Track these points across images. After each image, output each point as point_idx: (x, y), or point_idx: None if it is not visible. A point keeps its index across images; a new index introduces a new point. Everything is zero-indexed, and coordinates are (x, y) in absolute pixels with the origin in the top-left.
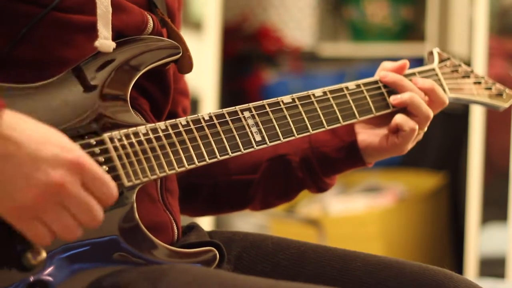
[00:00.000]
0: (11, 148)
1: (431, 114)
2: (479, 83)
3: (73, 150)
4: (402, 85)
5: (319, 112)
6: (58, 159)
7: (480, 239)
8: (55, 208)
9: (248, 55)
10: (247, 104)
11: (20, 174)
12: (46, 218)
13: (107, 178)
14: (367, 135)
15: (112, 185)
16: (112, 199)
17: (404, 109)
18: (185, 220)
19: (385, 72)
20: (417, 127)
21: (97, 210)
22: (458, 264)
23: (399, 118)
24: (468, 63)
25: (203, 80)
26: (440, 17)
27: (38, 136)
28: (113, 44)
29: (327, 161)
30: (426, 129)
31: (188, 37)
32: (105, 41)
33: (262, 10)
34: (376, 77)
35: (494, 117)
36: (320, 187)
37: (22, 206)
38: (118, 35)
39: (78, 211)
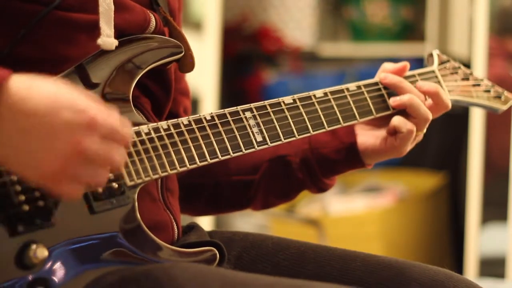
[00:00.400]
0: (26, 122)
1: (430, 116)
2: (478, 85)
3: (85, 111)
4: (402, 87)
5: (320, 113)
6: (73, 124)
7: (480, 239)
8: (82, 167)
9: (248, 55)
10: (248, 105)
11: (40, 147)
12: (75, 176)
13: (120, 123)
14: (367, 137)
15: (126, 130)
16: (129, 140)
17: (403, 111)
18: (185, 220)
19: (385, 74)
20: (414, 128)
21: (120, 155)
22: (458, 264)
23: (396, 120)
24: (468, 63)
25: (203, 80)
26: (440, 17)
27: (50, 102)
28: (115, 42)
29: (327, 163)
30: (425, 130)
31: (188, 37)
32: (107, 38)
33: (262, 10)
34: (376, 79)
35: (494, 117)
36: (320, 188)
37: (48, 174)
38: (120, 33)
39: (103, 162)
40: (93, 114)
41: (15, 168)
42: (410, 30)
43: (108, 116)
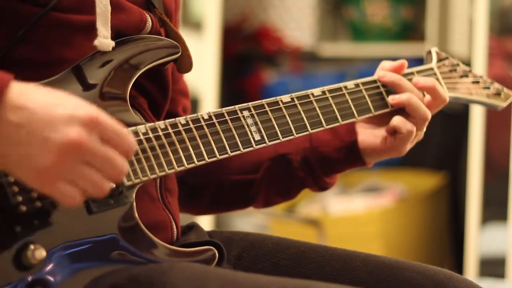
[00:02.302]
0: (25, 115)
1: (429, 115)
2: (477, 82)
3: (86, 107)
4: (400, 85)
5: (318, 111)
6: (73, 117)
7: (480, 239)
8: (78, 166)
9: (248, 55)
10: (246, 104)
11: (37, 139)
12: (71, 177)
13: (124, 131)
14: (367, 136)
15: (130, 138)
16: (132, 151)
17: (402, 109)
18: (184, 219)
19: (383, 71)
20: (414, 129)
21: (120, 162)
22: (458, 264)
23: (396, 120)
24: (468, 63)
25: (203, 80)
26: (440, 17)
27: (51, 99)
28: (112, 43)
29: (328, 161)
30: (425, 129)
31: (188, 37)
32: (104, 40)
33: (262, 10)
34: (375, 77)
35: (494, 117)
36: (321, 186)
37: (44, 170)
38: (117, 34)
39: (102, 166)
40: (95, 112)
41: (11, 166)
42: (410, 30)
43: (111, 120)
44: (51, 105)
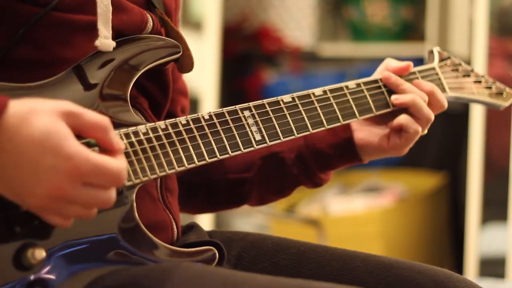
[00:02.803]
0: (12, 160)
1: (432, 116)
2: (479, 82)
3: (70, 159)
4: (403, 89)
5: (319, 111)
6: (56, 171)
7: (480, 239)
8: (63, 206)
9: (248, 55)
10: (247, 103)
11: (22, 185)
12: (58, 212)
13: (107, 167)
14: (366, 134)
15: (114, 171)
16: (119, 182)
17: (405, 109)
18: (184, 219)
19: (388, 73)
20: (420, 129)
21: (105, 196)
22: (458, 264)
23: (403, 119)
24: (468, 63)
25: (203, 80)
26: (440, 17)
27: (37, 144)
28: (113, 43)
29: (322, 157)
30: (426, 131)
31: (188, 37)
32: (105, 40)
33: (262, 10)
34: (376, 76)
35: (494, 117)
36: (316, 183)
37: (32, 208)
38: (118, 34)
39: (87, 203)
40: (76, 163)
41: (4, 194)
42: (410, 30)
43: (94, 163)
44: (38, 154)
